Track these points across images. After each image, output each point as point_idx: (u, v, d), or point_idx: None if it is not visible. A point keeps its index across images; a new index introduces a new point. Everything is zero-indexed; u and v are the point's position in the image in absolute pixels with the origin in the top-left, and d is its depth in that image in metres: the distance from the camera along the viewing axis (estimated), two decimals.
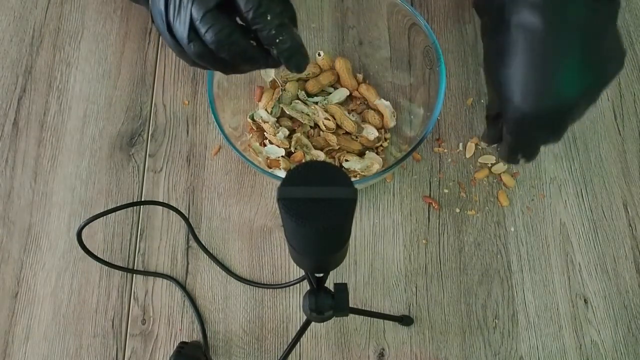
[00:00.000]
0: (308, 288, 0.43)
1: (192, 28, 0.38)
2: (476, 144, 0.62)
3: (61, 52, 0.67)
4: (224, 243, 0.59)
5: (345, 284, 0.43)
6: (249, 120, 0.60)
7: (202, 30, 0.37)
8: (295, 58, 0.39)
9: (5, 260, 0.59)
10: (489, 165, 0.62)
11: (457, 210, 0.60)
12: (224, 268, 0.58)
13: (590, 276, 0.57)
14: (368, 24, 0.61)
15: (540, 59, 0.40)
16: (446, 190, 0.61)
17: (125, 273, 0.58)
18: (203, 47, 0.38)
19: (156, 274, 0.58)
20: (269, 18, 0.37)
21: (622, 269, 0.58)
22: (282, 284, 0.57)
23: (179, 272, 0.58)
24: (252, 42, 0.39)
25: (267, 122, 0.59)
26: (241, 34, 0.38)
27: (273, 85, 0.62)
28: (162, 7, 0.39)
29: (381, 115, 0.61)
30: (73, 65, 0.67)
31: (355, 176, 0.58)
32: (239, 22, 0.39)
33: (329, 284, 0.42)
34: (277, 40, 0.38)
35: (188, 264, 0.58)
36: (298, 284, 0.57)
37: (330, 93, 0.62)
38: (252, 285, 0.57)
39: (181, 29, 0.38)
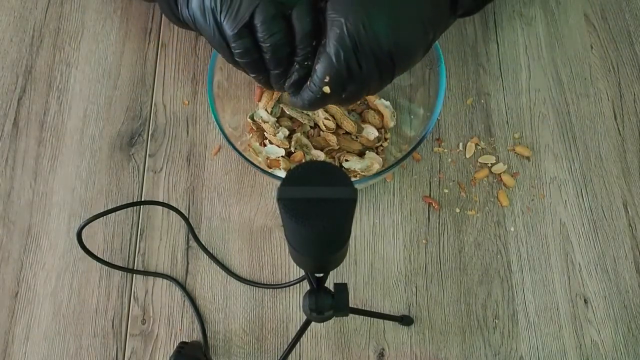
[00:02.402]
0: (308, 288, 0.43)
1: (247, 26, 0.42)
2: (476, 144, 0.62)
3: (61, 52, 0.67)
4: (224, 243, 0.59)
5: (345, 284, 0.43)
6: (249, 120, 0.60)
7: (264, 33, 0.42)
8: (304, 81, 0.45)
9: (5, 260, 0.59)
10: (489, 165, 0.62)
11: (457, 210, 0.60)
12: (224, 268, 0.58)
13: (590, 276, 0.57)
14: None
15: None
16: (446, 190, 0.61)
17: (125, 273, 0.58)
18: (251, 46, 0.43)
19: (156, 274, 0.58)
20: (314, 44, 0.43)
21: (622, 269, 0.58)
22: (282, 284, 0.57)
23: (179, 272, 0.58)
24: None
25: (267, 122, 0.59)
26: (290, 44, 0.43)
27: None
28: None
29: (381, 115, 0.61)
30: (73, 65, 0.67)
31: (355, 176, 0.58)
32: None
33: (329, 284, 0.42)
34: (306, 63, 0.44)
35: (188, 264, 0.58)
36: (298, 284, 0.57)
37: None
38: (252, 285, 0.57)
39: (232, 25, 0.42)
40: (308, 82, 0.44)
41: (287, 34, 0.42)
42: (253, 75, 0.45)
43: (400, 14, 0.42)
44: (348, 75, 0.42)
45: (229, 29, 0.42)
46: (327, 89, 0.43)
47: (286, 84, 0.45)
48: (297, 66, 0.44)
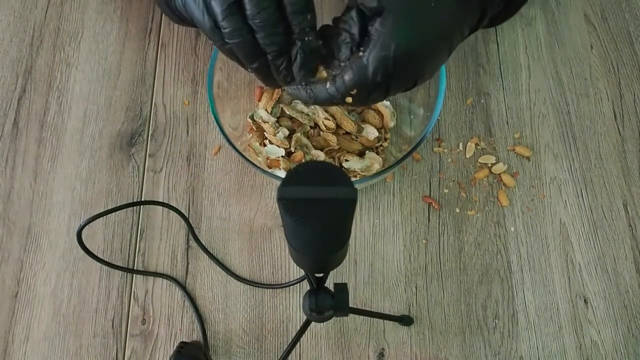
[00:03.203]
0: (308, 288, 0.43)
1: (236, 2, 0.40)
2: (476, 144, 0.62)
3: (61, 52, 0.67)
4: (224, 243, 0.59)
5: (345, 284, 0.43)
6: (249, 120, 0.60)
7: (253, 8, 0.40)
8: (312, 60, 0.42)
9: (5, 260, 0.59)
10: (489, 165, 0.62)
11: (457, 210, 0.60)
12: (224, 268, 0.58)
13: (590, 276, 0.57)
14: None
15: None
16: (446, 190, 0.61)
17: (125, 273, 0.58)
18: (240, 24, 0.40)
19: (156, 274, 0.58)
20: (309, 17, 0.41)
21: (622, 269, 0.58)
22: (282, 284, 0.57)
23: (179, 272, 0.58)
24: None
25: (267, 122, 0.59)
26: (284, 20, 0.41)
27: None
28: None
29: (381, 115, 0.61)
30: (73, 65, 0.67)
31: (355, 176, 0.58)
32: None
33: (329, 284, 0.42)
34: (307, 38, 0.41)
35: (188, 264, 0.58)
36: (298, 284, 0.57)
37: None
38: (252, 285, 0.57)
39: (221, 1, 0.40)
40: (328, 84, 0.42)
41: (279, 9, 0.40)
42: (248, 62, 0.43)
43: (437, 39, 0.42)
44: (374, 90, 0.42)
45: (217, 6, 0.40)
46: (349, 100, 0.42)
47: (294, 68, 0.42)
48: (299, 44, 0.41)
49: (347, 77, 0.41)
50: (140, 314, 0.57)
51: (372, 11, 0.41)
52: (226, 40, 0.42)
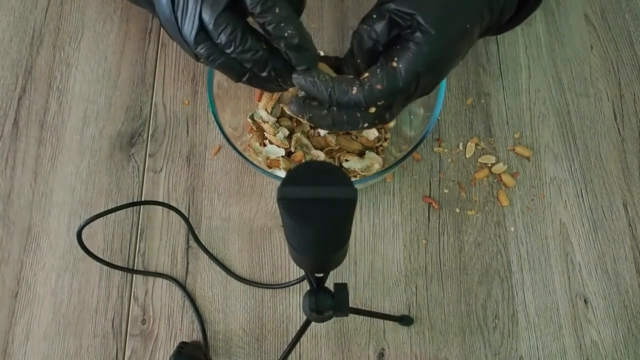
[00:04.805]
0: (308, 288, 0.43)
1: (202, 30, 0.38)
2: (476, 144, 0.62)
3: (61, 52, 0.67)
4: (224, 243, 0.59)
5: (345, 284, 0.43)
6: (249, 120, 0.60)
7: (215, 33, 0.38)
8: (305, 53, 0.40)
9: (5, 260, 0.59)
10: (489, 165, 0.62)
11: (457, 210, 0.60)
12: (224, 268, 0.58)
13: (590, 276, 0.57)
14: None
15: None
16: (446, 190, 0.61)
17: (125, 273, 0.58)
18: (213, 48, 0.39)
19: (156, 274, 0.58)
20: (277, 11, 0.38)
21: (622, 269, 0.58)
22: (282, 284, 0.57)
23: (179, 272, 0.58)
24: (264, 45, 0.40)
25: (267, 122, 0.59)
26: (254, 35, 0.39)
27: None
28: (169, 11, 0.40)
29: None
30: (73, 65, 0.67)
31: (355, 176, 0.58)
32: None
33: (329, 284, 0.42)
34: (286, 34, 0.38)
35: (188, 264, 0.58)
36: (298, 284, 0.57)
37: None
38: (252, 285, 0.57)
39: (189, 32, 0.39)
40: (354, 89, 0.39)
41: (241, 25, 0.38)
42: (235, 80, 0.42)
43: (463, 55, 0.43)
44: (399, 102, 0.41)
45: (188, 35, 0.39)
46: (372, 110, 0.41)
47: (294, 65, 0.40)
48: (282, 43, 0.39)
49: (379, 86, 0.39)
50: (140, 314, 0.57)
51: (406, 22, 0.40)
52: (212, 67, 0.41)
